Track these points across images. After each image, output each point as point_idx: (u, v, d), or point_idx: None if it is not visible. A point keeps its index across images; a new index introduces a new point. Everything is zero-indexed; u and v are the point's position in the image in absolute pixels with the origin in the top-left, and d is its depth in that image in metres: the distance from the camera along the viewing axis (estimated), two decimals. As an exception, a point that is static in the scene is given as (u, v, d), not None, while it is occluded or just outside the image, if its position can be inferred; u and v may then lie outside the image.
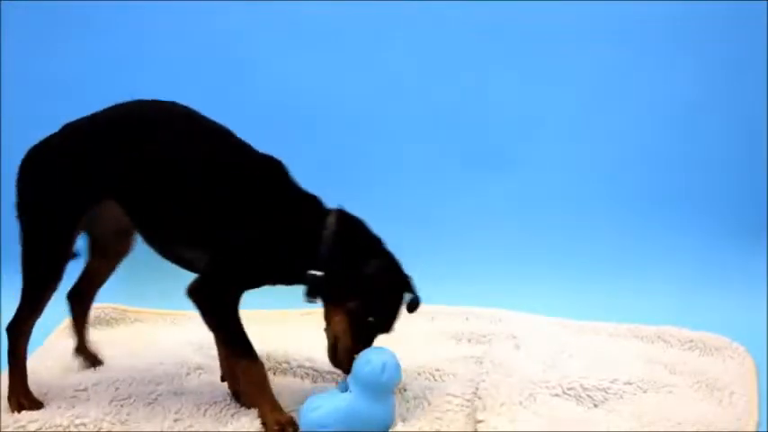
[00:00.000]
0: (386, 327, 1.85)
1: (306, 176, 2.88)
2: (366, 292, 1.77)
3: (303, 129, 2.91)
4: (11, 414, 1.86)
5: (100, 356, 2.22)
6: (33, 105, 2.84)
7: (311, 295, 1.83)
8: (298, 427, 1.77)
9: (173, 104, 1.89)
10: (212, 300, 1.79)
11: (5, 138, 2.84)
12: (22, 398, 1.90)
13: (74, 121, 1.92)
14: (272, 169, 1.87)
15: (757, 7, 2.74)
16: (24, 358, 1.94)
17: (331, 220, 1.82)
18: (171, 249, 1.89)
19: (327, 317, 1.84)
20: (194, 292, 1.78)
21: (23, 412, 1.86)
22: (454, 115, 2.90)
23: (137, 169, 1.81)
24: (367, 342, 1.82)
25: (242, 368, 1.82)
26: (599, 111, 2.87)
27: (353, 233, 1.84)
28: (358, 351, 1.80)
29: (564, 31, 2.82)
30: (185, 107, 1.89)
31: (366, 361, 1.77)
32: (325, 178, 2.87)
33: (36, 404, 1.90)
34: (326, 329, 1.85)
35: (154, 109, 1.88)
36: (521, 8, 2.79)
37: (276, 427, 1.76)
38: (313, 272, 1.78)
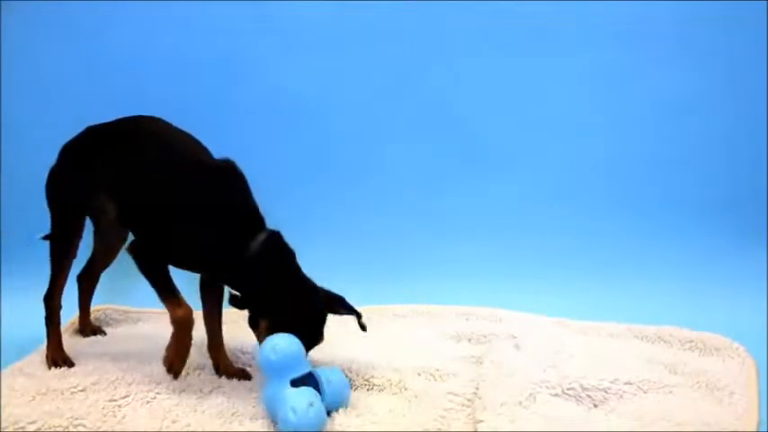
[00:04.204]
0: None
1: (305, 175, 2.91)
2: (273, 313, 1.91)
3: (301, 129, 2.91)
4: (48, 369, 2.17)
5: (101, 329, 2.56)
6: (33, 105, 2.84)
7: (234, 304, 1.97)
8: (180, 372, 2.02)
9: (153, 119, 2.18)
10: (143, 258, 2.02)
11: (5, 138, 2.84)
12: (57, 356, 2.22)
13: (91, 125, 2.22)
14: (220, 176, 2.03)
15: (757, 7, 2.74)
16: (59, 323, 2.27)
17: (261, 237, 1.95)
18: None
19: (252, 324, 1.97)
20: (132, 251, 2.04)
21: (22, 413, 1.86)
22: (454, 114, 2.90)
23: (117, 170, 2.12)
24: None
25: (167, 308, 1.98)
26: (599, 110, 2.87)
27: (275, 258, 1.96)
28: None
29: (564, 30, 2.81)
30: (163, 122, 2.17)
31: (262, 346, 1.85)
32: (325, 178, 2.92)
33: (69, 363, 2.21)
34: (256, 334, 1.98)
35: (137, 122, 2.18)
36: (521, 8, 2.79)
37: (167, 364, 2.01)
38: (233, 292, 1.96)
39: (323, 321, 1.97)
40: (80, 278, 2.46)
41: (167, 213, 2.00)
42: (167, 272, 2.01)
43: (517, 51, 2.84)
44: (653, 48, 2.81)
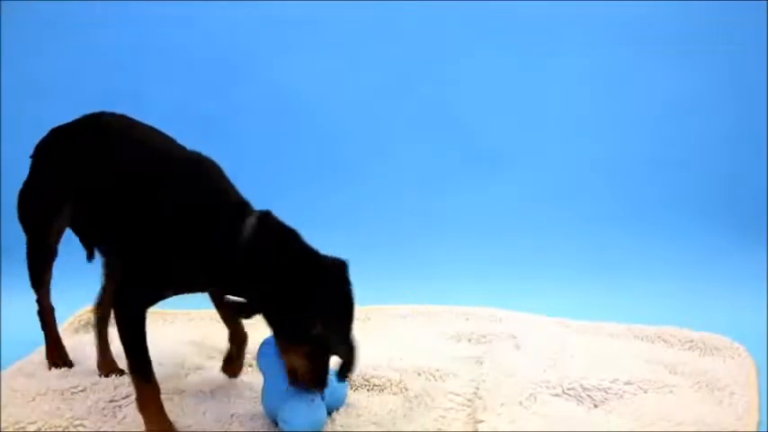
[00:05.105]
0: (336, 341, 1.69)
1: (304, 175, 2.91)
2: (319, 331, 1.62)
3: (301, 129, 2.91)
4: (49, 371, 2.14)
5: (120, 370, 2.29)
6: (33, 105, 2.84)
7: (239, 314, 1.71)
8: None
9: (114, 115, 1.97)
10: (124, 310, 1.72)
11: (5, 138, 2.84)
12: (56, 357, 2.20)
13: (55, 126, 2.06)
14: (195, 176, 1.76)
15: (757, 7, 2.74)
16: (54, 324, 2.22)
17: (251, 221, 1.66)
18: (103, 250, 1.99)
19: (284, 349, 1.69)
20: (113, 301, 1.77)
21: (23, 413, 1.86)
22: (454, 114, 2.90)
23: (84, 177, 1.91)
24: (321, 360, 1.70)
25: (134, 384, 1.74)
26: (600, 111, 2.87)
27: (275, 241, 1.66)
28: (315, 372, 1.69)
29: (565, 30, 2.81)
30: (126, 119, 1.95)
31: (259, 347, 1.84)
32: (324, 177, 2.93)
33: (68, 363, 2.19)
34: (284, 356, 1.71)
35: (97, 119, 1.97)
36: (522, 8, 2.79)
37: None
38: (231, 298, 1.63)
39: (349, 315, 1.69)
40: (96, 310, 2.19)
41: (146, 216, 1.72)
42: (144, 337, 1.70)
43: (517, 51, 2.84)
44: (653, 48, 2.81)
